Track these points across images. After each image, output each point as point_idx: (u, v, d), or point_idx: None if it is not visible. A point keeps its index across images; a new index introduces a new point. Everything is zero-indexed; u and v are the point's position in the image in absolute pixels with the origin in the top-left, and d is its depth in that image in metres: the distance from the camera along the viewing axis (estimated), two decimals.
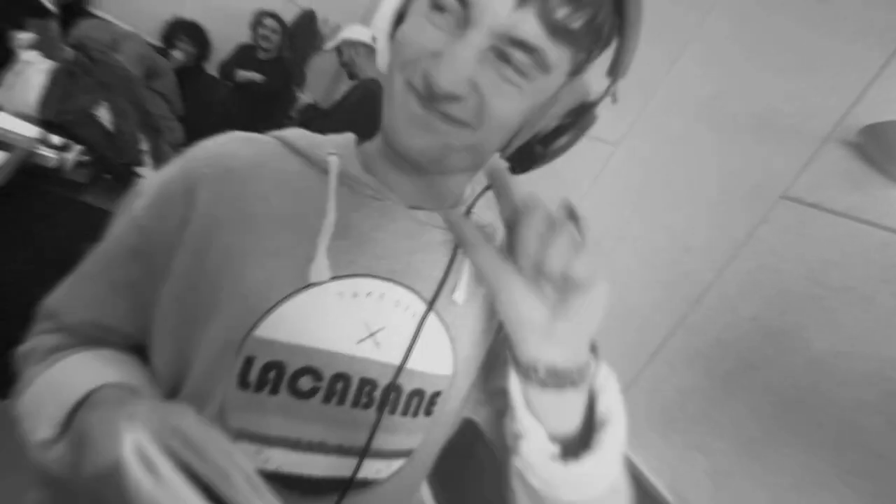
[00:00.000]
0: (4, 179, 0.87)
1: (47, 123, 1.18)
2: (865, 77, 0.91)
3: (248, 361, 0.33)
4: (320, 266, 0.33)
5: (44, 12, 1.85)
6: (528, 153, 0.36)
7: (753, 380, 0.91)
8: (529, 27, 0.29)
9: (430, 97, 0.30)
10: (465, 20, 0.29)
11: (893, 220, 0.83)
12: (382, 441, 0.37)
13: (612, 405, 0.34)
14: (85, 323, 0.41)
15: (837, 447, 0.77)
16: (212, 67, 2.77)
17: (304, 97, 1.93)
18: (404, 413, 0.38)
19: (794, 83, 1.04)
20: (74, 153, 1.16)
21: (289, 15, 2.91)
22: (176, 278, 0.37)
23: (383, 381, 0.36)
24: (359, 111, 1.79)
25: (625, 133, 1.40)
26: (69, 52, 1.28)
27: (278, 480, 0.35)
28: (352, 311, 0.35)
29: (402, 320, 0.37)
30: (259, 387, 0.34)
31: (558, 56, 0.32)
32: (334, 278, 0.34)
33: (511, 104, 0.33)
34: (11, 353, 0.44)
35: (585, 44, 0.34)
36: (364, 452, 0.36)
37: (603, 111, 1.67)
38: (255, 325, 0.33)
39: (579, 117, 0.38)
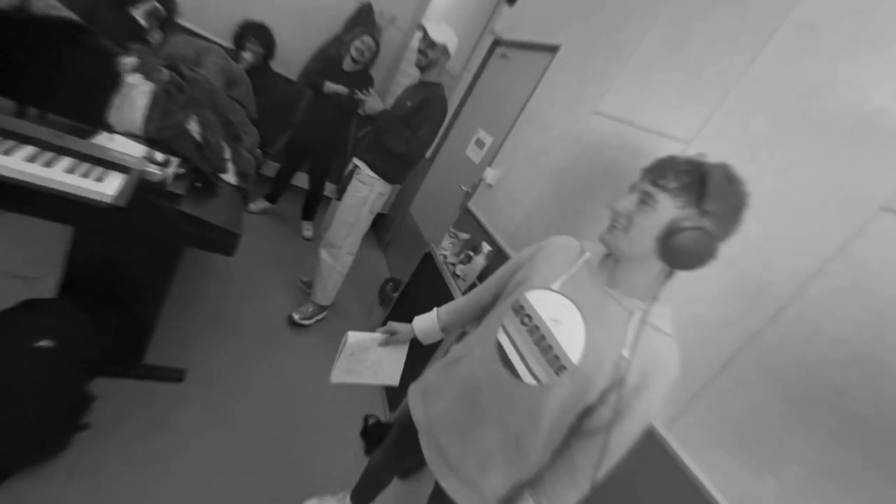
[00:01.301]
0: (127, 200, 1.01)
1: (150, 140, 1.34)
2: None
3: (516, 301, 0.82)
4: (557, 285, 0.79)
5: (143, 32, 2.05)
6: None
7: (837, 406, 0.86)
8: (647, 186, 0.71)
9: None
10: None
11: None
12: (535, 365, 0.77)
13: None
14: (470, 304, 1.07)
15: None
16: (276, 65, 2.92)
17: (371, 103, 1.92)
18: (548, 362, 0.75)
19: None
20: (173, 167, 1.30)
21: (345, 11, 2.97)
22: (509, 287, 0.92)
23: (548, 338, 0.76)
24: (441, 121, 1.89)
25: (698, 130, 1.31)
26: (165, 73, 1.41)
27: (499, 350, 0.82)
28: (555, 306, 0.77)
29: (572, 321, 0.75)
30: (513, 308, 0.82)
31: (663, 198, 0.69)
32: (558, 292, 0.78)
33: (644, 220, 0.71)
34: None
35: (678, 193, 0.68)
36: (523, 357, 0.79)
37: (677, 107, 1.60)
38: (527, 292, 0.81)
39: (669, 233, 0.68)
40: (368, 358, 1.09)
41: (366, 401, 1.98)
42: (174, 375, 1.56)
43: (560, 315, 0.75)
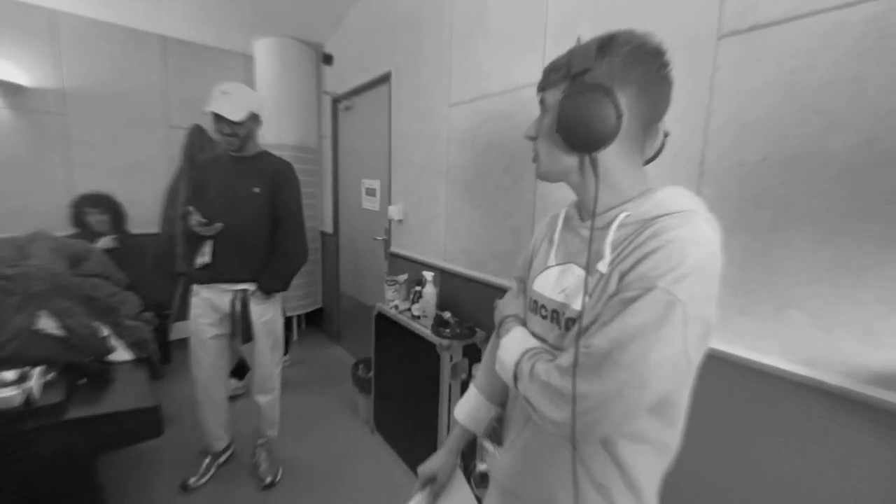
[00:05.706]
0: None
1: None
2: None
3: (529, 299, 0.73)
4: (552, 258, 0.69)
5: None
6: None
7: (794, 213, 0.87)
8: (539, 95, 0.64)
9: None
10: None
11: None
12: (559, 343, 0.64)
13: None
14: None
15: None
16: (133, 225, 2.67)
17: None
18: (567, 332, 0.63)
19: None
20: (35, 378, 1.05)
21: (175, 142, 2.84)
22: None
23: (565, 312, 0.63)
24: (300, 186, 1.76)
25: (543, 63, 1.37)
26: None
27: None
28: (558, 278, 0.66)
29: (575, 279, 0.63)
30: (531, 309, 0.71)
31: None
32: (555, 265, 0.68)
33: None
34: None
35: (559, 81, 0.60)
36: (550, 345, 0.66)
37: (515, 60, 1.60)
38: (533, 284, 0.72)
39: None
40: None
41: None
42: None
43: (564, 283, 0.64)
